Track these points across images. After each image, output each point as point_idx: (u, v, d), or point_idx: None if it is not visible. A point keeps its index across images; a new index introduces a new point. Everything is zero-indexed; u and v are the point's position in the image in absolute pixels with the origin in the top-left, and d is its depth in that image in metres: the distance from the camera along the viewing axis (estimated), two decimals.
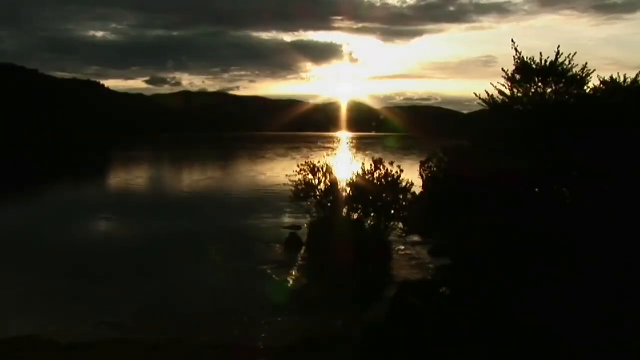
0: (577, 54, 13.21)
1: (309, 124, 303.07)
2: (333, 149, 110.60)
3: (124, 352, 11.50)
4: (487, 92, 14.13)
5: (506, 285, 11.47)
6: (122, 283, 17.10)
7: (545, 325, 10.19)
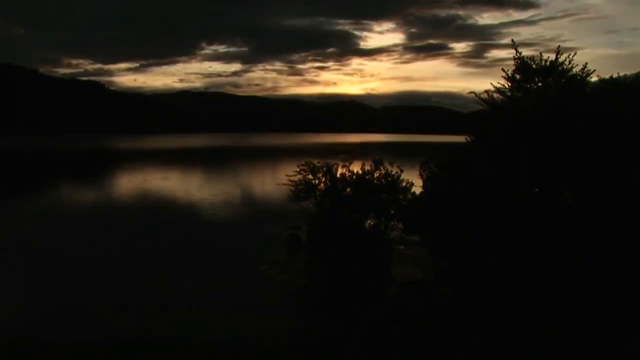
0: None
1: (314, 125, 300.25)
2: None
3: (124, 351, 11.48)
4: (486, 92, 14.21)
5: (505, 284, 11.46)
6: (121, 282, 17.11)
7: (544, 325, 10.19)
